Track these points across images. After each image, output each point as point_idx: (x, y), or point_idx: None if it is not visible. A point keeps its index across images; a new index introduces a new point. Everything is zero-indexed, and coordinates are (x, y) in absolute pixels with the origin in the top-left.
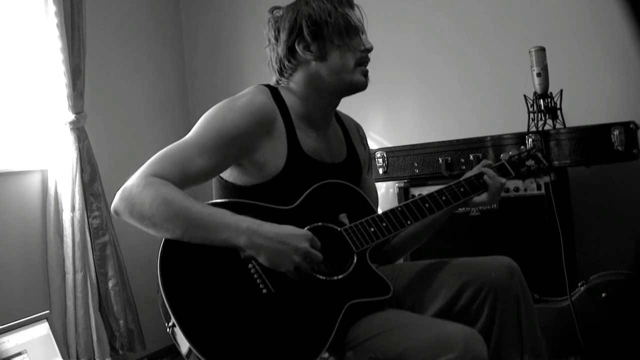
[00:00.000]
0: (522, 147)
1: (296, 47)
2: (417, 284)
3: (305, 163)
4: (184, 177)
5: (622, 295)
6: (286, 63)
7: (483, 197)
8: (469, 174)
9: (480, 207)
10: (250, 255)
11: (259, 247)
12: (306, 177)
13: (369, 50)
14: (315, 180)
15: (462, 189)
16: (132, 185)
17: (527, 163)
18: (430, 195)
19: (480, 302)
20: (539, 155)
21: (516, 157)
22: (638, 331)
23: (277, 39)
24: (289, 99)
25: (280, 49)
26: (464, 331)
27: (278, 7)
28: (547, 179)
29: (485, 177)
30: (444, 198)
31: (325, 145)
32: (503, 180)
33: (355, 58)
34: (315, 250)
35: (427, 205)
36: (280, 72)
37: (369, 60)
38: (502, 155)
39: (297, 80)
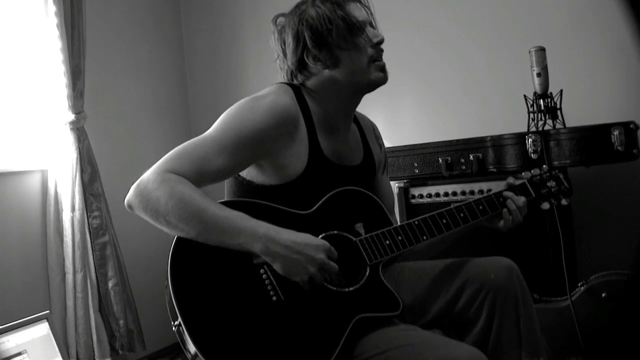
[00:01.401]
0: (544, 166)
1: (306, 59)
2: (418, 284)
3: (325, 166)
4: (201, 175)
5: (622, 295)
6: (299, 75)
7: (505, 215)
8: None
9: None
10: (264, 261)
11: (275, 255)
12: (326, 180)
13: (380, 43)
14: (334, 183)
15: (480, 207)
16: (148, 180)
17: (549, 184)
18: (448, 211)
19: (480, 302)
20: (561, 176)
21: (538, 177)
22: (638, 331)
23: (284, 53)
24: (310, 101)
25: (290, 63)
26: (471, 354)
27: (282, 15)
28: (567, 201)
29: (506, 197)
30: (462, 215)
31: (344, 148)
32: (523, 199)
33: (367, 56)
34: (331, 262)
35: (444, 221)
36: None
37: (382, 52)
38: (523, 173)
39: (312, 85)
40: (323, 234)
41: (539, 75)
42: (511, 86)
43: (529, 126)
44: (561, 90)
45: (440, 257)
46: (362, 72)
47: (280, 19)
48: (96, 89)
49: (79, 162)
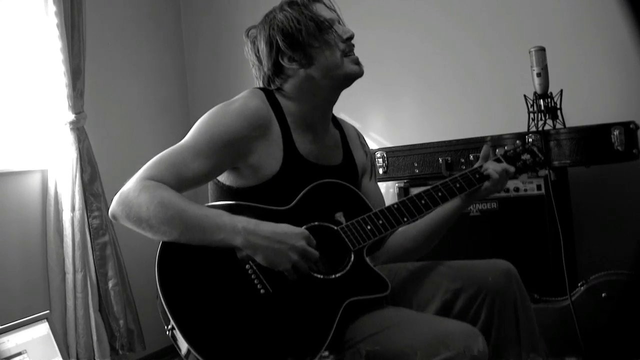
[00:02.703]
0: (517, 141)
1: (281, 61)
2: (413, 286)
3: (301, 165)
4: (179, 180)
5: (622, 295)
6: (276, 79)
7: (486, 184)
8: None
9: (480, 207)
10: (248, 255)
11: (256, 247)
12: (302, 179)
13: (350, 38)
14: (311, 182)
15: (457, 185)
16: (128, 189)
17: (523, 157)
18: (426, 191)
19: (478, 306)
20: (535, 149)
21: (511, 151)
22: (638, 331)
23: (259, 60)
24: (284, 102)
25: (267, 69)
26: (464, 328)
27: (253, 27)
28: (544, 172)
29: (485, 169)
30: (440, 194)
31: (321, 148)
32: (504, 166)
33: (340, 51)
34: (311, 248)
35: (423, 201)
36: (270, 86)
37: (354, 46)
38: (497, 150)
39: (290, 87)
40: (304, 227)
41: (539, 75)
42: (511, 86)
43: (529, 126)
44: (561, 90)
45: (439, 259)
46: (337, 67)
47: (252, 30)
48: (96, 89)
49: (79, 162)
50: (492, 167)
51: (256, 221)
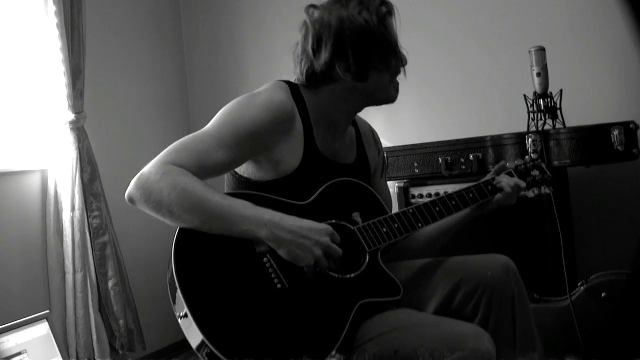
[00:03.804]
0: (526, 157)
1: (337, 67)
2: (414, 282)
3: (319, 162)
4: (201, 168)
5: (622, 295)
6: (321, 78)
7: (498, 197)
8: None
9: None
10: (266, 249)
11: (281, 241)
12: (320, 176)
13: (405, 64)
14: (328, 179)
15: (471, 195)
16: (149, 173)
17: (533, 173)
18: (441, 199)
19: (477, 301)
20: (544, 166)
21: (522, 167)
22: (638, 331)
23: (315, 52)
24: (311, 99)
25: (318, 65)
26: (474, 331)
27: (316, 7)
28: (550, 190)
29: (498, 182)
30: (453, 203)
31: (338, 146)
32: (516, 181)
33: (391, 75)
34: (335, 246)
35: (437, 209)
36: (309, 81)
37: (399, 73)
38: (507, 164)
39: (328, 89)
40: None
41: (539, 75)
42: (511, 86)
43: (529, 126)
44: (561, 90)
45: (439, 255)
46: (384, 90)
47: (316, 13)
48: (96, 89)
49: (79, 162)
50: (506, 181)
51: (281, 215)
